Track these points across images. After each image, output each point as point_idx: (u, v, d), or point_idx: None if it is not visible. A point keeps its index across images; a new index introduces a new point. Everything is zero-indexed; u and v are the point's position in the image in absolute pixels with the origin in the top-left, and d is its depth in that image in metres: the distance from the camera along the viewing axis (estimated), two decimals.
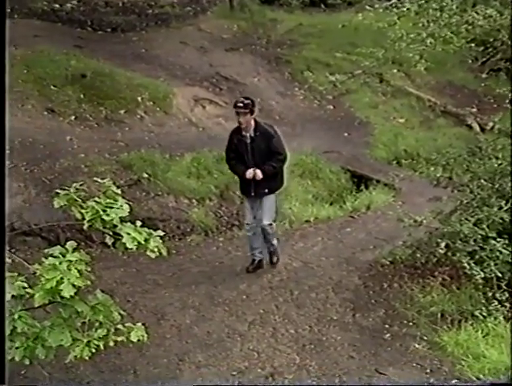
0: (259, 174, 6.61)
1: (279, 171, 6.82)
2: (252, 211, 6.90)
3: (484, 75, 14.63)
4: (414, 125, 12.61)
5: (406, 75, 13.72)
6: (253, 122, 6.71)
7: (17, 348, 3.54)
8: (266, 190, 6.73)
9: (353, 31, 13.03)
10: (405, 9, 6.36)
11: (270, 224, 6.80)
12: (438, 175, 6.67)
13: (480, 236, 6.08)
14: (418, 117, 13.03)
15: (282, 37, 15.53)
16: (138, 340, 3.78)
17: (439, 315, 5.86)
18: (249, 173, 6.64)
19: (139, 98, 10.75)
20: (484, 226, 6.13)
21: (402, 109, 13.14)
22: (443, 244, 6.19)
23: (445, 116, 13.22)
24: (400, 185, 9.80)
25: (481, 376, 5.04)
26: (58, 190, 3.62)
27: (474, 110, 13.53)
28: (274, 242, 7.02)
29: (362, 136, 11.85)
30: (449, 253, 6.22)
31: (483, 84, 14.11)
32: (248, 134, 6.70)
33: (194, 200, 8.78)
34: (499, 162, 6.64)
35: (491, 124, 11.40)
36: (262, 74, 13.40)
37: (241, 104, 6.61)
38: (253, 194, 6.78)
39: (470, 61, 13.40)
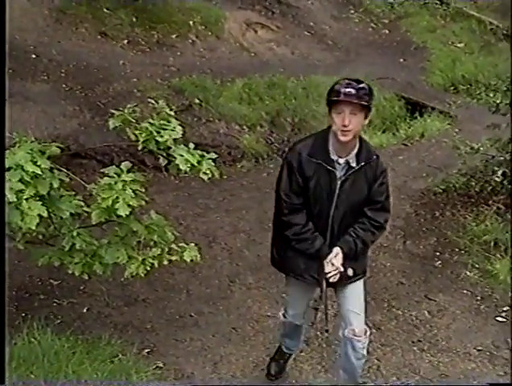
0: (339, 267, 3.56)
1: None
2: (305, 301, 3.96)
3: None
4: (474, 50, 12.05)
5: None
6: (357, 140, 3.50)
7: (76, 264, 3.70)
8: (351, 272, 3.65)
9: None
10: None
11: (366, 332, 3.78)
12: (497, 102, 6.41)
13: None
14: (478, 41, 12.43)
15: None
16: (191, 260, 3.88)
17: (492, 244, 5.79)
18: (332, 265, 3.54)
19: (191, 22, 10.58)
20: None
21: (462, 33, 12.55)
22: (499, 172, 6.06)
23: (507, 40, 12.56)
24: (456, 112, 9.50)
25: None
26: (113, 111, 3.66)
27: None
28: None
29: (418, 62, 11.45)
30: (505, 182, 6.09)
31: None
32: (344, 161, 3.49)
33: (245, 126, 8.73)
34: None
35: None
36: None
37: (352, 91, 3.28)
38: (324, 284, 3.62)
39: None
